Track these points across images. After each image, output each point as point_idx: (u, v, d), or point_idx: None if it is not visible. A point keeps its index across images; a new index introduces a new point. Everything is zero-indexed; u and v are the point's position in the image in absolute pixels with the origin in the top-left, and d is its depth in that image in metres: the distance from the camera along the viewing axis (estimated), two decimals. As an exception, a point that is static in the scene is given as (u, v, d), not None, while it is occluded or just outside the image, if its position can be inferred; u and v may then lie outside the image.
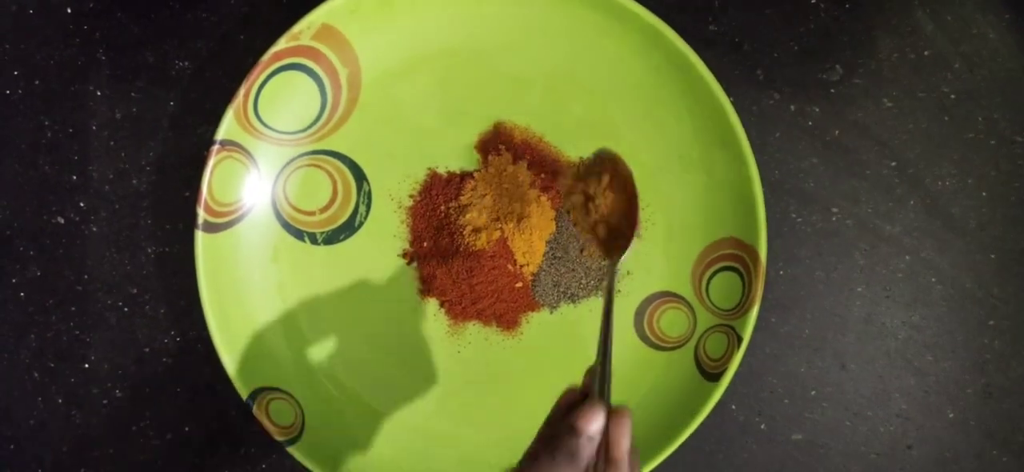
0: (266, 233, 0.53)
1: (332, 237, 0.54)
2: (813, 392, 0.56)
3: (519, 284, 0.54)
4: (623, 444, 0.37)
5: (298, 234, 0.53)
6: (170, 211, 0.54)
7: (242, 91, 0.49)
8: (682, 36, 0.50)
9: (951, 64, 0.56)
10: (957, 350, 0.57)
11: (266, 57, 0.49)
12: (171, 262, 0.55)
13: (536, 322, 0.54)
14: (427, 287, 0.54)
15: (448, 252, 0.53)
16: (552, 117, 0.54)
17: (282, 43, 0.49)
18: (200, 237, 0.50)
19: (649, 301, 0.54)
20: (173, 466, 0.56)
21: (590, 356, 0.54)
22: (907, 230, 0.56)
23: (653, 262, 0.54)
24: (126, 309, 0.55)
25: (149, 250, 0.55)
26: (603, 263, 0.54)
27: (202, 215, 0.50)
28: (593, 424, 0.37)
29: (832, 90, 0.56)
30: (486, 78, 0.53)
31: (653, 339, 0.54)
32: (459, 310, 0.54)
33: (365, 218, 0.54)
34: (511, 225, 0.52)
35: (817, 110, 0.56)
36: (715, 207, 0.53)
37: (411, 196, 0.54)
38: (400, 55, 0.53)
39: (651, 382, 0.54)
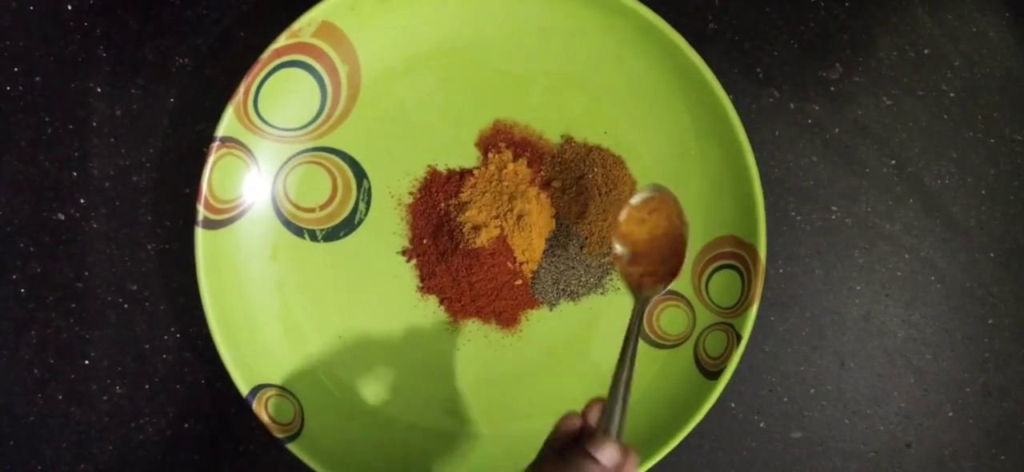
0: (266, 230, 0.53)
1: (332, 234, 0.54)
2: (812, 390, 0.56)
3: (519, 281, 0.54)
4: None
5: (298, 231, 0.53)
6: (170, 208, 0.54)
7: (242, 88, 0.49)
8: (682, 34, 0.50)
9: (951, 63, 0.56)
10: (956, 348, 0.57)
11: (266, 54, 0.49)
12: (171, 259, 0.55)
13: (536, 320, 0.55)
14: (427, 284, 0.54)
15: (448, 250, 0.53)
16: (552, 114, 0.54)
17: (282, 40, 0.49)
18: (200, 234, 0.50)
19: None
20: (173, 463, 0.56)
21: (590, 354, 0.55)
22: (906, 228, 0.56)
23: (652, 260, 0.54)
24: (126, 306, 0.55)
25: (149, 247, 0.55)
26: (605, 259, 0.54)
27: (202, 212, 0.50)
28: (609, 457, 0.37)
29: (832, 88, 0.56)
30: (486, 75, 0.53)
31: (653, 337, 0.54)
32: (459, 308, 0.54)
33: (365, 215, 0.54)
34: (511, 223, 0.52)
35: (817, 108, 0.56)
36: (714, 205, 0.53)
37: (411, 193, 0.54)
38: (400, 52, 0.53)
39: (650, 380, 0.54)
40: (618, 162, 0.54)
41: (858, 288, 0.56)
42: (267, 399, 0.51)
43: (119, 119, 0.54)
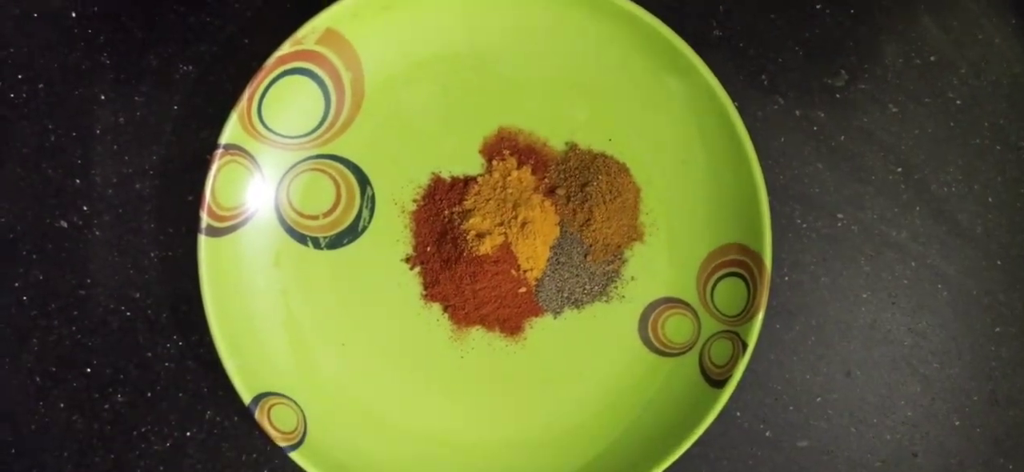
0: (269, 237, 0.53)
1: (335, 242, 0.54)
2: (818, 399, 0.56)
3: (523, 289, 0.53)
4: None
5: (301, 239, 0.53)
6: (173, 215, 0.54)
7: (246, 95, 0.49)
8: (686, 40, 0.50)
9: (957, 69, 0.56)
10: (963, 357, 0.56)
11: (270, 61, 0.49)
12: (174, 266, 0.55)
13: (540, 327, 0.54)
14: (430, 292, 0.54)
15: (451, 257, 0.53)
16: (556, 122, 0.54)
17: (286, 47, 0.49)
18: (203, 241, 0.50)
19: (654, 306, 0.54)
20: (175, 471, 0.55)
21: (594, 362, 0.54)
22: (913, 236, 0.56)
23: (657, 268, 0.54)
24: (128, 313, 0.55)
25: (152, 254, 0.55)
26: (609, 266, 0.54)
27: (205, 219, 0.50)
28: None
29: (837, 95, 0.55)
30: (490, 82, 0.53)
31: (658, 345, 0.54)
32: (462, 315, 0.54)
33: (368, 223, 0.54)
34: (515, 230, 0.52)
35: (822, 115, 0.55)
36: (719, 213, 0.53)
37: (414, 201, 0.54)
38: (404, 59, 0.53)
39: (656, 388, 0.54)
40: (622, 169, 0.53)
41: (864, 296, 0.56)
42: (270, 407, 0.51)
43: (122, 126, 0.54)
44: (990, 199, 0.56)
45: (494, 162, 0.53)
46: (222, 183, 0.50)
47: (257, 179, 0.52)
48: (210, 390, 0.55)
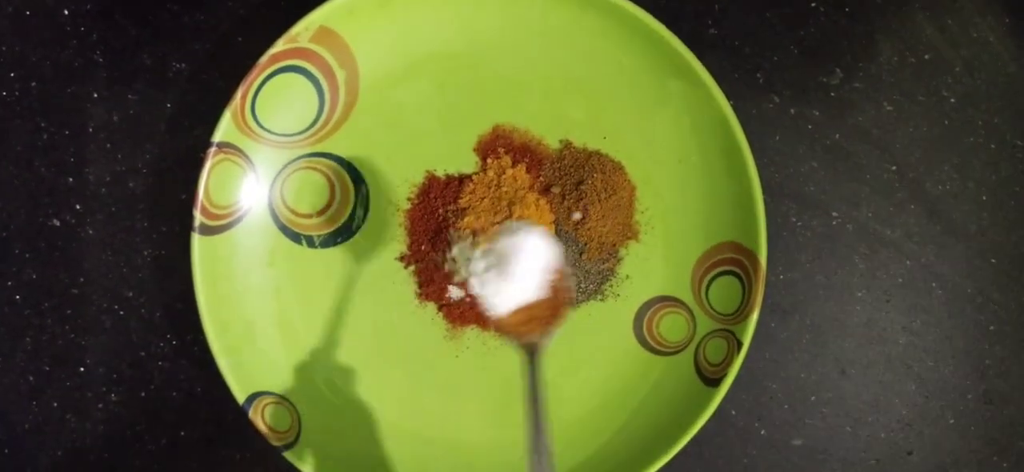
0: (263, 236, 0.53)
1: (329, 240, 0.53)
2: (813, 397, 0.56)
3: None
4: None
5: (295, 237, 0.53)
6: (166, 214, 0.54)
7: (239, 93, 0.49)
8: (682, 39, 0.50)
9: (951, 68, 0.56)
10: (957, 356, 0.56)
11: (263, 59, 0.49)
12: (167, 265, 0.54)
13: (534, 326, 0.54)
14: (425, 291, 0.54)
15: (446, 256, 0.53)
16: (551, 120, 0.54)
17: (280, 45, 0.49)
18: (196, 240, 0.50)
19: (649, 305, 0.54)
20: (169, 470, 0.55)
21: (589, 361, 0.54)
22: (907, 235, 0.56)
23: (653, 266, 0.54)
24: (122, 312, 0.55)
25: (145, 253, 0.54)
26: (604, 265, 0.54)
27: (198, 218, 0.50)
28: None
29: (832, 94, 0.55)
30: (485, 81, 0.53)
31: (653, 343, 0.54)
32: (457, 314, 0.54)
33: (363, 221, 0.54)
34: (509, 229, 0.52)
35: (817, 114, 0.55)
36: (715, 211, 0.53)
37: (409, 199, 0.54)
38: (398, 58, 0.53)
39: (650, 386, 0.54)
40: (617, 167, 0.53)
41: (859, 294, 0.56)
42: (264, 407, 0.51)
43: (116, 125, 0.54)
44: (984, 198, 0.56)
45: (489, 160, 0.53)
46: (216, 181, 0.50)
47: (251, 177, 0.52)
48: (204, 389, 0.55)
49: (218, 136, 0.49)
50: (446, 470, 0.54)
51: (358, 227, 0.54)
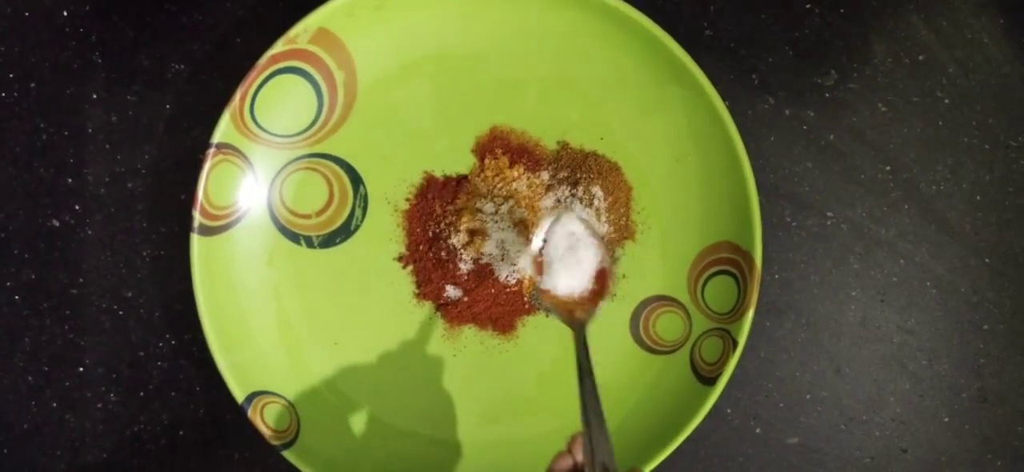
0: (262, 236, 0.53)
1: (328, 241, 0.54)
2: (808, 396, 0.56)
3: (515, 288, 0.54)
4: None
5: (294, 237, 0.53)
6: (165, 214, 0.54)
7: (238, 94, 0.49)
8: (678, 40, 0.50)
9: (946, 69, 0.56)
10: (952, 354, 0.57)
11: (263, 60, 0.49)
12: (166, 265, 0.55)
13: (532, 326, 0.54)
14: (423, 291, 0.54)
15: (444, 256, 0.53)
16: (548, 120, 0.54)
17: (278, 46, 0.49)
18: (195, 240, 0.50)
19: (645, 305, 0.54)
20: (168, 470, 0.55)
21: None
22: (902, 234, 0.56)
23: (649, 266, 0.54)
24: (121, 313, 0.55)
25: (144, 253, 0.55)
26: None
27: (198, 218, 0.50)
28: None
29: (827, 94, 0.56)
30: (482, 82, 0.53)
31: (649, 343, 0.54)
32: (455, 314, 0.54)
33: (361, 222, 0.54)
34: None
35: (812, 114, 0.56)
36: (710, 211, 0.53)
37: (407, 199, 0.54)
38: (396, 59, 0.53)
39: (647, 386, 0.54)
40: (614, 168, 0.54)
41: (854, 294, 0.56)
42: (263, 406, 0.51)
43: (115, 125, 0.54)
44: (978, 197, 0.56)
45: (487, 161, 0.53)
46: (215, 182, 0.50)
47: (250, 178, 0.52)
48: (203, 389, 0.55)
49: (217, 137, 0.50)
50: (443, 468, 0.54)
51: (356, 227, 0.54)
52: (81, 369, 0.55)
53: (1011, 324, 0.57)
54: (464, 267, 0.53)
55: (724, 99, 0.50)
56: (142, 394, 0.55)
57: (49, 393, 0.55)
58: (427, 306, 0.54)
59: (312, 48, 0.50)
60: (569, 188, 0.53)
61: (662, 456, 0.51)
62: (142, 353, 0.55)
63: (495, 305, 0.54)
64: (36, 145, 0.54)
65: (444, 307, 0.54)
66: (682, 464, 0.56)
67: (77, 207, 0.54)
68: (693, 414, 0.51)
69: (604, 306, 0.47)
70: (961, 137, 0.56)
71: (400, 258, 0.54)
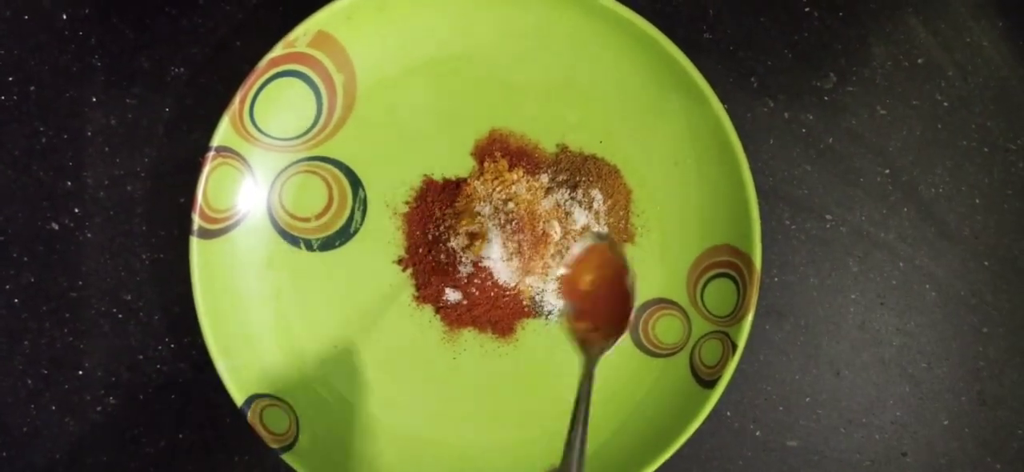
0: (261, 239, 0.53)
1: (327, 244, 0.54)
2: (807, 399, 0.56)
3: (514, 291, 0.54)
4: None
5: (294, 240, 0.53)
6: (165, 217, 0.54)
7: (238, 97, 0.49)
8: (677, 43, 0.50)
9: (945, 72, 0.56)
10: (951, 357, 0.57)
11: (262, 64, 0.49)
12: (166, 268, 0.55)
13: (531, 329, 0.55)
14: (422, 294, 0.54)
15: (443, 259, 0.53)
16: (548, 124, 0.54)
17: (278, 50, 0.49)
18: (195, 243, 0.50)
19: (644, 308, 0.54)
20: (167, 473, 0.56)
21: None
22: (901, 237, 0.56)
23: (648, 269, 0.54)
24: (120, 316, 0.55)
25: (144, 256, 0.55)
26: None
27: (197, 221, 0.50)
28: None
29: (826, 98, 0.56)
30: (482, 85, 0.53)
31: (648, 345, 0.54)
32: (454, 317, 0.54)
33: (360, 225, 0.54)
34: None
35: (811, 117, 0.56)
36: (709, 214, 0.53)
37: (406, 203, 0.54)
38: (396, 62, 0.53)
39: (646, 389, 0.54)
40: (613, 171, 0.54)
41: (853, 297, 0.56)
42: (262, 409, 0.51)
43: (114, 128, 0.54)
44: (978, 200, 0.56)
45: (486, 164, 0.53)
46: (214, 185, 0.50)
47: (249, 181, 0.52)
48: (202, 392, 0.55)
49: (216, 140, 0.50)
50: (443, 471, 0.54)
51: (356, 230, 0.54)
52: (80, 372, 0.55)
53: (1010, 327, 0.57)
54: (463, 270, 0.53)
55: (723, 102, 0.50)
56: (141, 397, 0.55)
57: (48, 396, 0.55)
58: (426, 309, 0.54)
59: (311, 51, 0.51)
60: (568, 191, 0.53)
61: (661, 459, 0.51)
62: (141, 356, 0.55)
63: (495, 308, 0.54)
64: (35, 148, 0.54)
65: (443, 310, 0.54)
66: (681, 467, 0.56)
67: (76, 210, 0.54)
68: (693, 417, 0.51)
69: (618, 343, 0.46)
70: (960, 140, 0.56)
71: (399, 261, 0.54)
